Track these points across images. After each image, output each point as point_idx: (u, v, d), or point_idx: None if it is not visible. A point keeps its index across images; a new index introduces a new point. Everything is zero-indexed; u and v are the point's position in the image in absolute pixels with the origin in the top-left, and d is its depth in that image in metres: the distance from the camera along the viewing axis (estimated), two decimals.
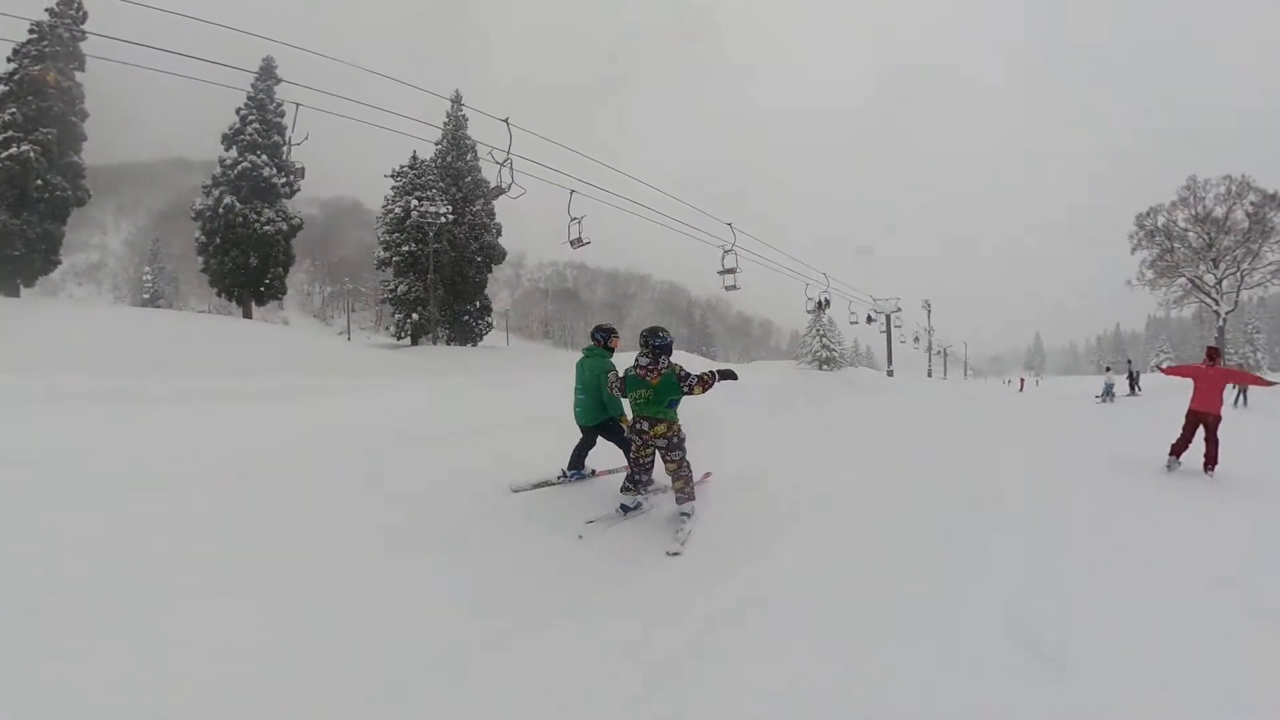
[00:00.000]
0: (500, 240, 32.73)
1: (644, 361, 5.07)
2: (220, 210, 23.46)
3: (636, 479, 5.32)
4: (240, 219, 23.64)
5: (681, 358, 46.67)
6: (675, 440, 5.13)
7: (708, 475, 6.33)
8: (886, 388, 18.98)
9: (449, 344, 31.63)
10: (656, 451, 5.23)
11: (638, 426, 5.11)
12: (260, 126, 23.21)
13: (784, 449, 8.43)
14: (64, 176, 20.84)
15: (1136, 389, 26.41)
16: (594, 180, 15.45)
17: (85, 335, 16.58)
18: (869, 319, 28.90)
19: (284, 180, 23.91)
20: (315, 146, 14.31)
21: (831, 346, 54.76)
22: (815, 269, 26.47)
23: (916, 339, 36.15)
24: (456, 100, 27.96)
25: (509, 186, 13.55)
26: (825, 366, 53.27)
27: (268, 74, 22.84)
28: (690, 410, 5.76)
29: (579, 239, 18.63)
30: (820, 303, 24.81)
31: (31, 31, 19.10)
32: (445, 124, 29.96)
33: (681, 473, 5.21)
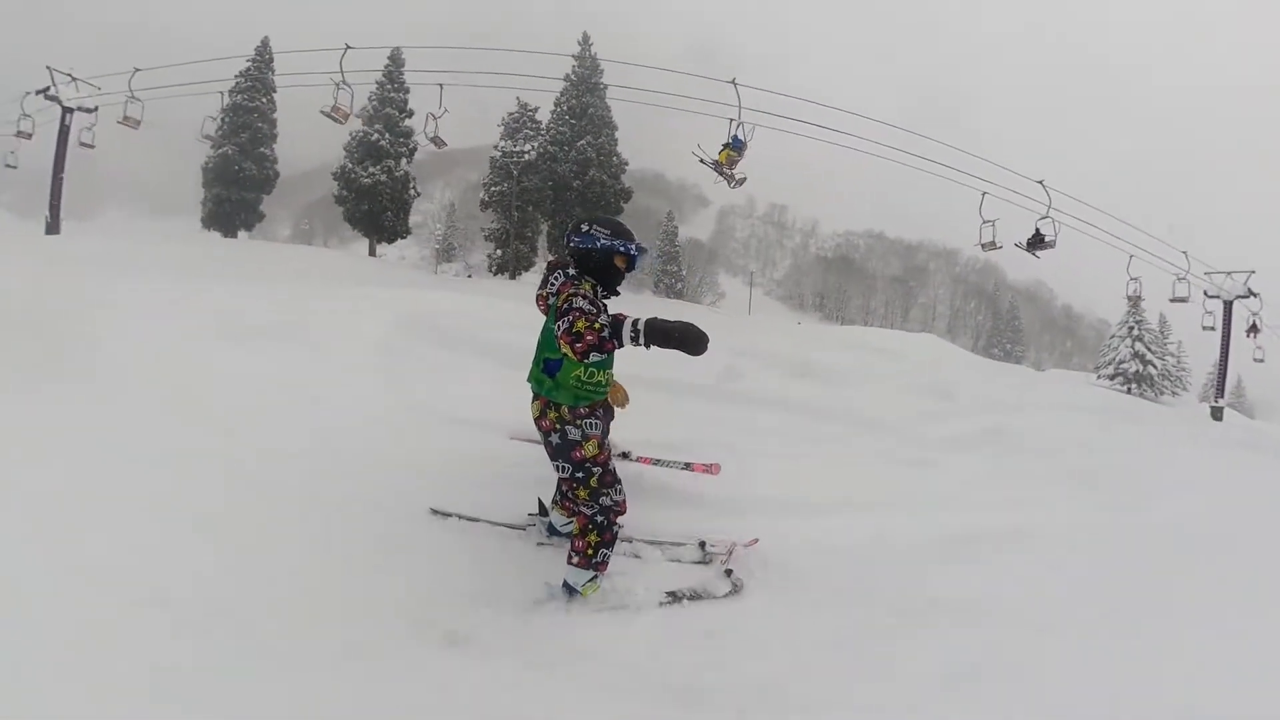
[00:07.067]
0: (625, 179, 31.89)
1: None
2: (342, 170, 29.98)
3: (564, 492, 3.15)
4: (351, 175, 29.62)
5: (956, 355, 35.89)
6: (558, 439, 2.87)
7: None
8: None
9: None
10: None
11: None
12: (378, 104, 29.78)
13: None
14: (255, 164, 31.10)
15: None
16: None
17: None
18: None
19: (400, 143, 29.95)
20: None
21: (1150, 358, 37.95)
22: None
23: (1251, 331, 21.53)
24: (584, 42, 31.10)
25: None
26: (1136, 388, 37.24)
27: (397, 61, 29.69)
28: None
29: (732, 175, 15.71)
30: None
31: (238, 78, 29.26)
32: (574, 66, 30.70)
33: (579, 505, 2.91)
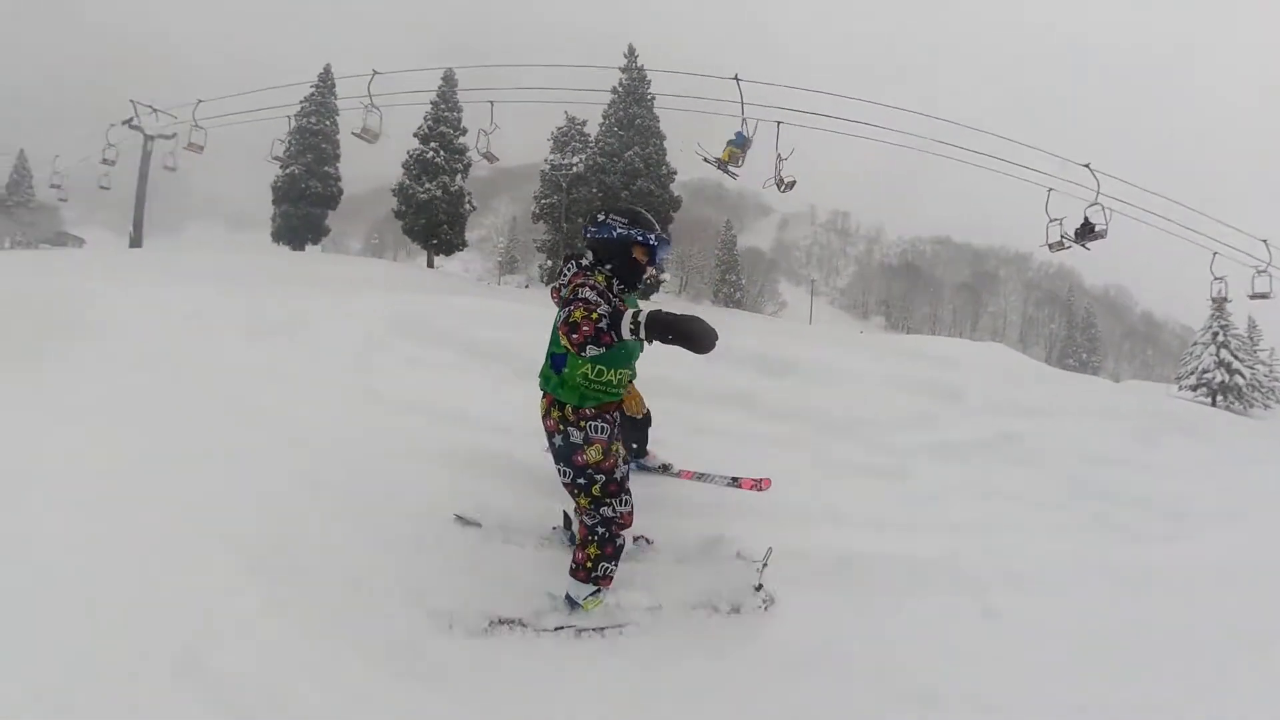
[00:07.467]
0: (679, 190, 32.01)
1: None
2: (401, 186, 31.38)
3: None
4: (409, 191, 31.05)
5: (1017, 365, 34.05)
6: (560, 440, 2.71)
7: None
8: None
9: None
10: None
11: None
12: (432, 123, 31.30)
13: None
14: (320, 182, 32.58)
15: None
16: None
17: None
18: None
19: (455, 159, 30.95)
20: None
21: (1237, 366, 35.15)
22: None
23: None
24: (630, 54, 31.11)
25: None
26: (1222, 399, 34.56)
27: (450, 81, 30.99)
28: None
29: (781, 179, 15.90)
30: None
31: (302, 102, 30.70)
32: (621, 79, 31.01)
33: (580, 514, 2.78)
